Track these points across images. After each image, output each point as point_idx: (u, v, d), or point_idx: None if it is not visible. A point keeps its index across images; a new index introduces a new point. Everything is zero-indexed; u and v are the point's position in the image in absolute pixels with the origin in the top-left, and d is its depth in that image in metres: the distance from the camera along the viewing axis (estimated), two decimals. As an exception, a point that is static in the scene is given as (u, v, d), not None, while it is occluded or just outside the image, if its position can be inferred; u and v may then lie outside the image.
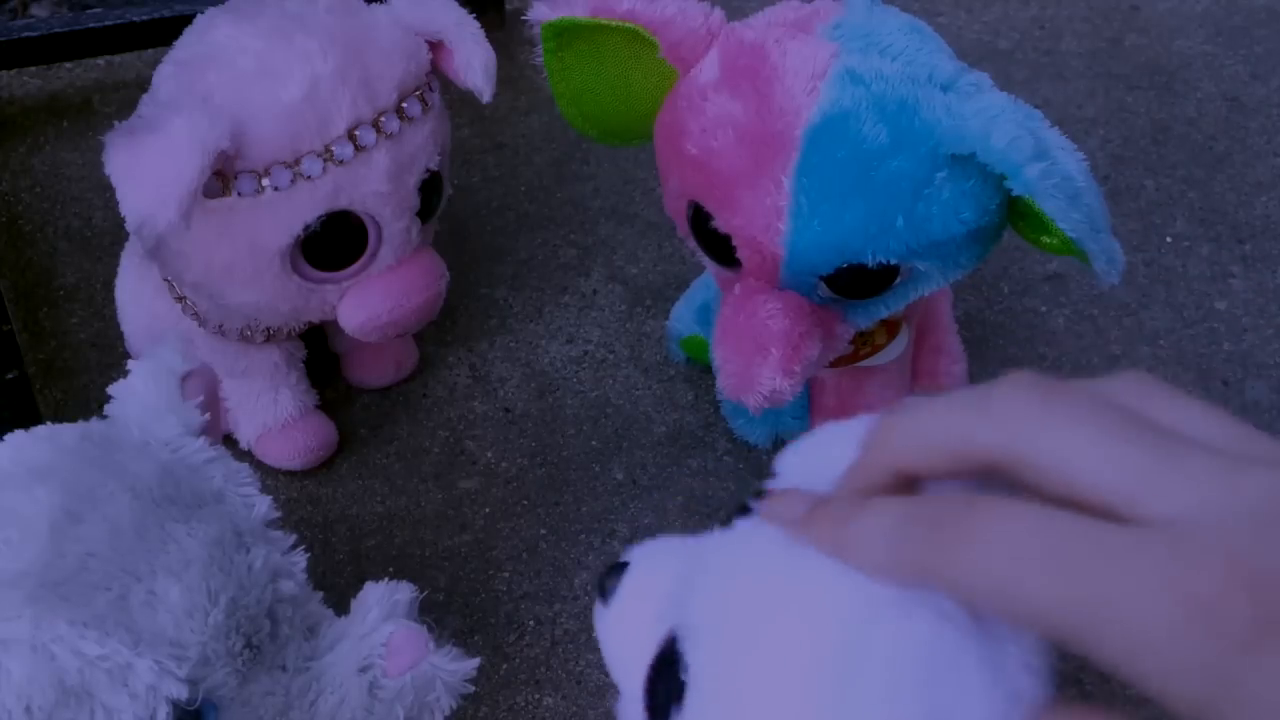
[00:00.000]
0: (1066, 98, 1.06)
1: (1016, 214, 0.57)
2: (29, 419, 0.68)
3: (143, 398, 0.47)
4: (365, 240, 0.63)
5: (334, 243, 0.63)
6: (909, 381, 0.76)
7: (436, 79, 0.66)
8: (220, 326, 0.70)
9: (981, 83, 0.56)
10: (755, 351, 0.59)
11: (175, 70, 0.61)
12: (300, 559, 0.47)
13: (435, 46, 0.65)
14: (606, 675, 0.66)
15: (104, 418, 0.47)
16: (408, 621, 0.48)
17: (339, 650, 0.46)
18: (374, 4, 0.64)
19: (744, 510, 0.30)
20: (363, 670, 0.46)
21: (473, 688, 0.49)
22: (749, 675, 0.26)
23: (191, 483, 0.45)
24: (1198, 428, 0.23)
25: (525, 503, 0.75)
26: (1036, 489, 0.23)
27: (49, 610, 0.38)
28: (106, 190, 0.55)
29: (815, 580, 0.26)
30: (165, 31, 0.84)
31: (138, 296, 0.74)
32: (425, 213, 0.66)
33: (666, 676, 0.29)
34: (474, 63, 0.63)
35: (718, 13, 0.59)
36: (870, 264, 0.56)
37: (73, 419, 0.46)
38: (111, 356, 0.82)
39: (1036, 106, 0.53)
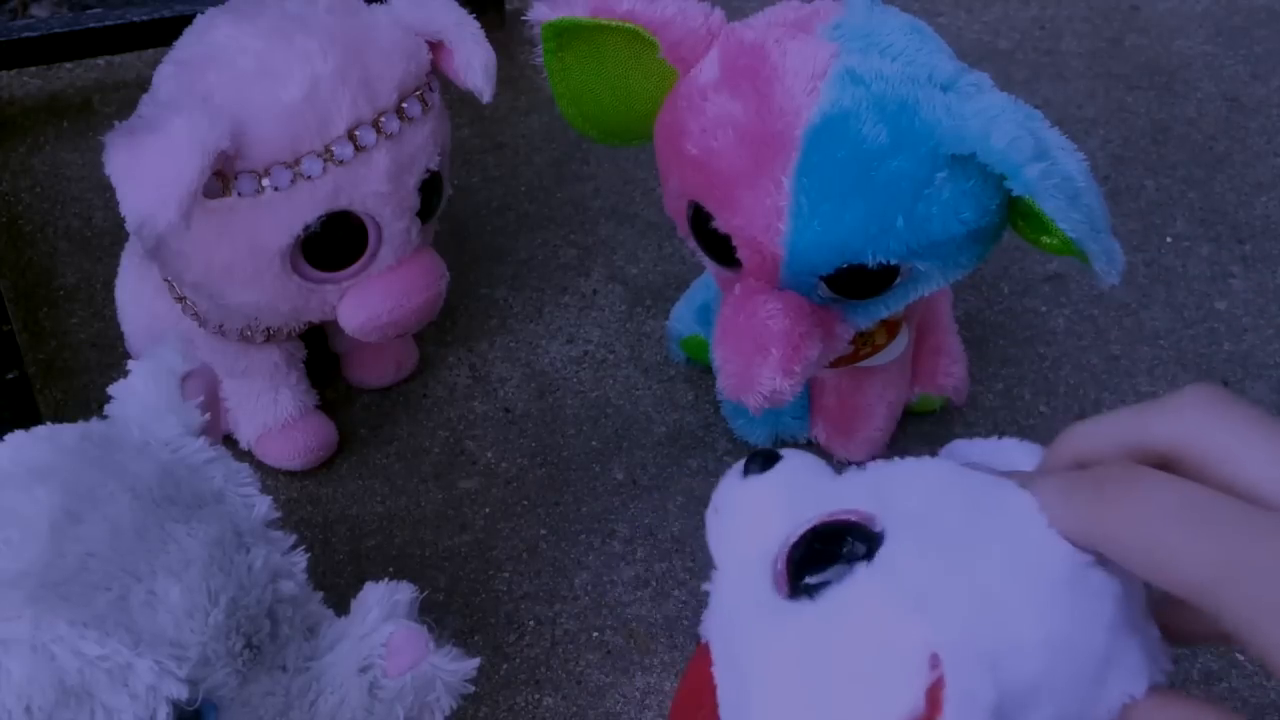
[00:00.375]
0: (1066, 98, 1.06)
1: (1016, 214, 0.57)
2: (29, 419, 0.68)
3: (143, 398, 0.47)
4: (365, 240, 0.63)
5: (334, 243, 0.63)
6: (909, 381, 0.76)
7: (436, 79, 0.66)
8: (220, 326, 0.70)
9: (981, 83, 0.56)
10: (755, 351, 0.59)
11: (175, 70, 0.61)
12: (300, 559, 0.47)
13: (435, 46, 0.65)
14: (606, 675, 0.67)
15: (104, 418, 0.47)
16: (408, 622, 0.48)
17: (339, 650, 0.46)
18: (374, 4, 0.64)
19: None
20: (363, 670, 0.46)
21: (473, 688, 0.49)
22: (968, 549, 0.29)
23: (191, 483, 0.45)
24: None
25: (525, 503, 0.75)
26: (1201, 480, 0.26)
27: (49, 610, 0.38)
28: (106, 190, 0.55)
29: (1034, 513, 0.29)
30: (165, 31, 0.84)
31: (138, 296, 0.74)
32: (425, 213, 0.66)
33: (853, 537, 0.30)
34: (474, 63, 0.63)
35: (718, 13, 0.59)
36: (870, 264, 0.56)
37: (73, 419, 0.46)
38: (111, 356, 0.82)
39: (1036, 106, 0.53)
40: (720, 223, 0.59)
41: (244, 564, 0.43)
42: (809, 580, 0.30)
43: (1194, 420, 0.26)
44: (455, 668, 0.48)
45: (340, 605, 0.49)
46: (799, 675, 0.29)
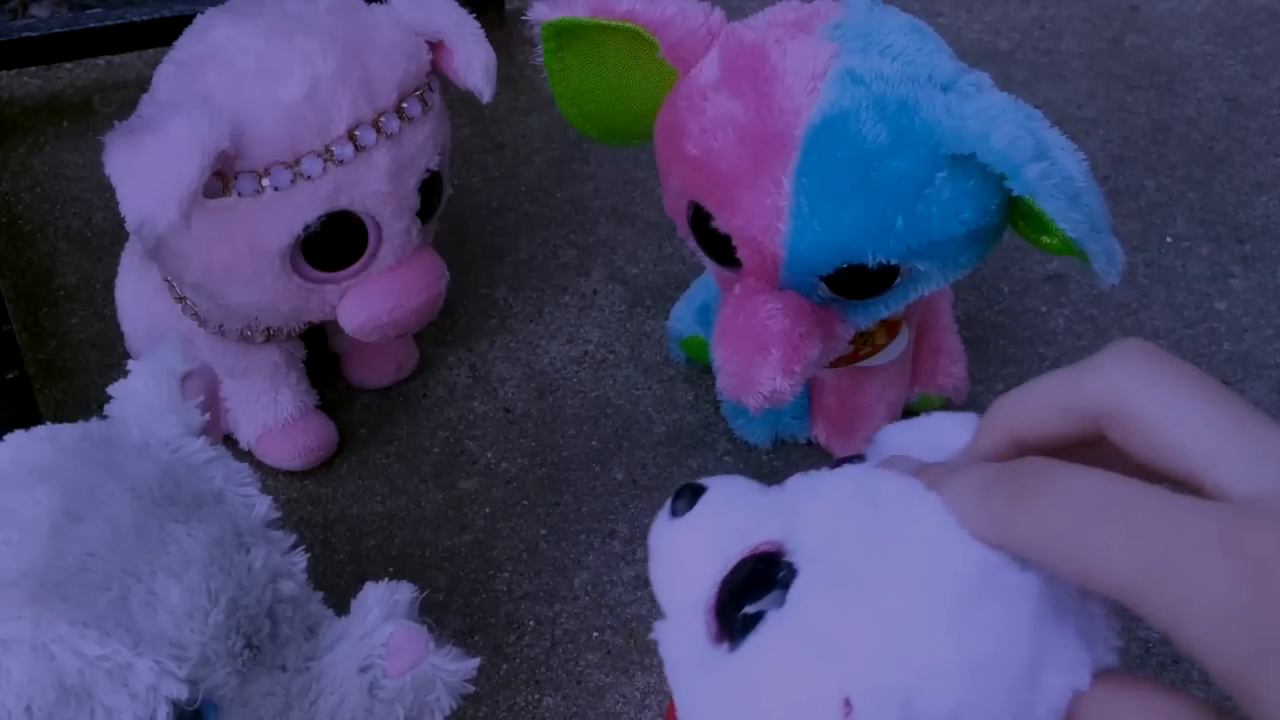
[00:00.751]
0: (1066, 98, 1.06)
1: (1016, 214, 0.57)
2: (29, 419, 0.68)
3: (143, 398, 0.47)
4: (365, 240, 0.63)
5: (334, 243, 0.63)
6: (909, 381, 0.76)
7: (436, 79, 0.66)
8: (220, 326, 0.70)
9: (981, 83, 0.56)
10: (755, 351, 0.59)
11: (175, 70, 0.61)
12: (300, 559, 0.47)
13: (435, 46, 0.65)
14: (606, 675, 0.67)
15: (104, 418, 0.47)
16: (408, 621, 0.48)
17: (339, 650, 0.46)
18: (374, 4, 0.64)
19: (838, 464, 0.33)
20: (363, 670, 0.46)
21: (473, 688, 0.49)
22: (872, 578, 0.28)
23: (191, 483, 0.45)
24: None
25: (525, 503, 0.75)
26: (1126, 445, 0.25)
27: (49, 610, 0.38)
28: (106, 190, 0.55)
29: (941, 521, 0.28)
30: (165, 31, 0.84)
31: (138, 296, 0.74)
32: (425, 213, 0.66)
33: (765, 571, 0.30)
34: (474, 63, 0.63)
35: (718, 13, 0.59)
36: (870, 264, 0.56)
37: (73, 419, 0.46)
38: (111, 356, 0.82)
39: (1036, 106, 0.53)
40: (720, 223, 0.59)
41: (244, 564, 0.43)
42: (747, 610, 0.30)
43: (1121, 382, 0.25)
44: (455, 668, 0.48)
45: (340, 605, 0.49)
46: None
